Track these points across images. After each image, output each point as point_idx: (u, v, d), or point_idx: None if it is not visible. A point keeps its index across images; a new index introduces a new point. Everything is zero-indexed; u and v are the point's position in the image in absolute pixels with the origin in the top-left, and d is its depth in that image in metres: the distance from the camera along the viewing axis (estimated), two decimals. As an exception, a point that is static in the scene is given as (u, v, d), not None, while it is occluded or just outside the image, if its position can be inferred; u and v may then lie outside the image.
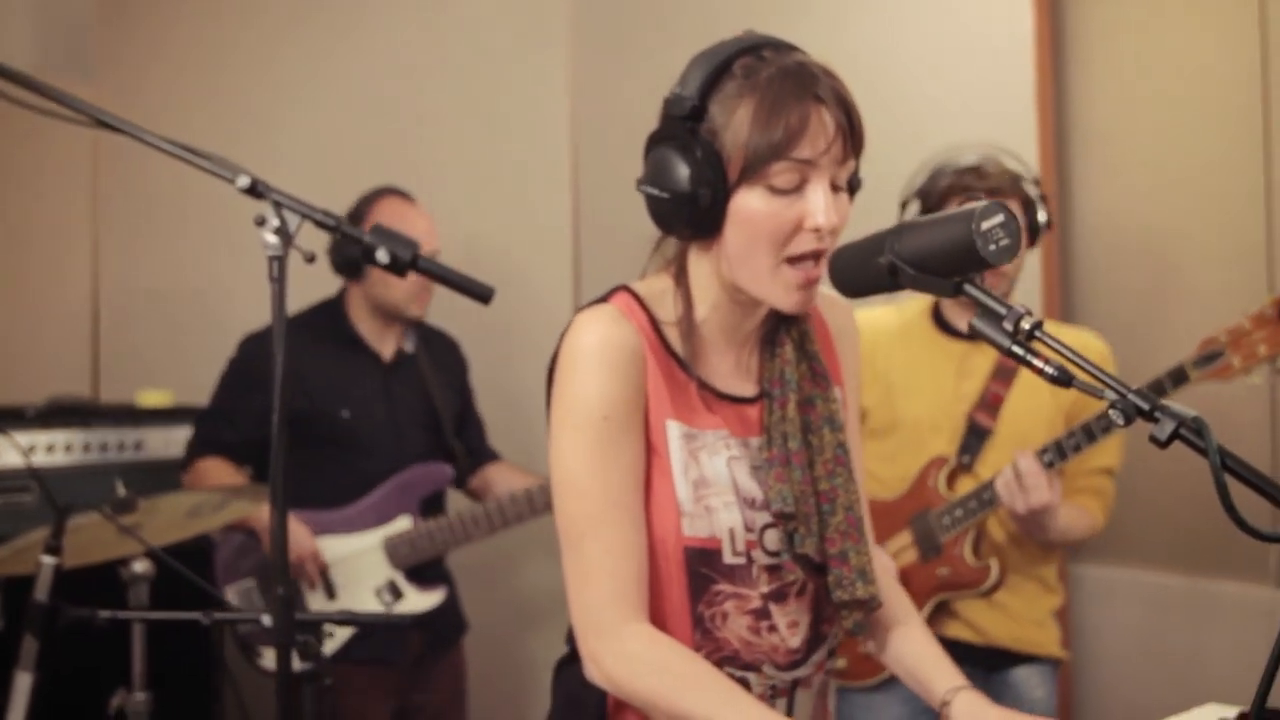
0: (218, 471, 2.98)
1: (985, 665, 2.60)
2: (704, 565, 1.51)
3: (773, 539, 1.55)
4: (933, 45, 3.45)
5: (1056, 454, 2.43)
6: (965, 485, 2.56)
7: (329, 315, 3.11)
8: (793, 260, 1.48)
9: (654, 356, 1.53)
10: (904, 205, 2.66)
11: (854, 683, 2.64)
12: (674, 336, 1.57)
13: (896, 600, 1.75)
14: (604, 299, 1.57)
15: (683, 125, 1.47)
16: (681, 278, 1.58)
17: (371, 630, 2.89)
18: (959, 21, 3.40)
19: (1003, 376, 2.58)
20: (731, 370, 1.61)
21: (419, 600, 2.98)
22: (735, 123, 1.45)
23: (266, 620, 1.84)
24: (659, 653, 1.46)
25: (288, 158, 3.87)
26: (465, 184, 4.05)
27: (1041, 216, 2.62)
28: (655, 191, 1.49)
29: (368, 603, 2.96)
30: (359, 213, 3.05)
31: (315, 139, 3.96)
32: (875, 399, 2.68)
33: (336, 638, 2.91)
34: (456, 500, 3.22)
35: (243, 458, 3.06)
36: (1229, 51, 3.07)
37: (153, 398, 3.45)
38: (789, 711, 1.57)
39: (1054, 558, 2.69)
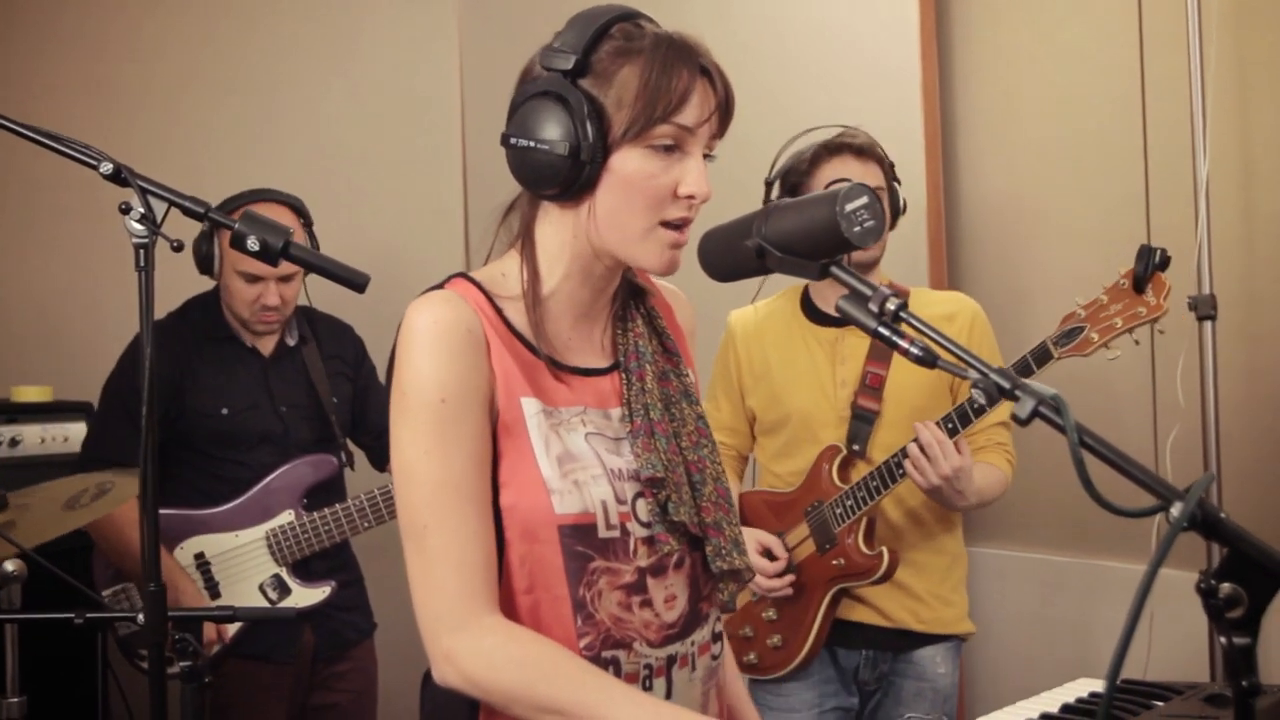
0: (124, 511, 2.85)
1: (892, 646, 2.62)
2: (580, 543, 1.46)
3: (643, 509, 1.51)
4: (818, 28, 3.47)
5: (959, 420, 2.41)
6: (859, 473, 2.55)
7: (204, 311, 3.03)
8: (664, 224, 1.47)
9: (497, 335, 1.49)
10: (769, 186, 2.65)
11: (765, 675, 2.66)
12: (516, 314, 1.52)
13: (738, 689, 1.79)
14: (438, 286, 1.53)
15: (562, 80, 1.44)
16: (528, 247, 1.54)
17: (256, 626, 2.83)
18: (844, 5, 3.42)
19: (879, 357, 2.58)
20: (582, 344, 1.58)
21: (304, 595, 2.92)
22: (619, 82, 1.43)
23: (140, 619, 1.79)
24: (518, 645, 1.41)
25: (174, 152, 3.79)
26: (358, 180, 4.01)
27: (900, 201, 2.64)
28: (529, 143, 1.44)
29: (252, 598, 2.89)
30: (224, 211, 2.95)
31: (203, 134, 3.89)
32: (761, 398, 2.69)
33: (229, 631, 2.85)
34: (358, 490, 3.15)
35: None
36: (1108, 35, 3.13)
37: (30, 393, 3.35)
38: (668, 692, 1.52)
39: (957, 527, 2.69)
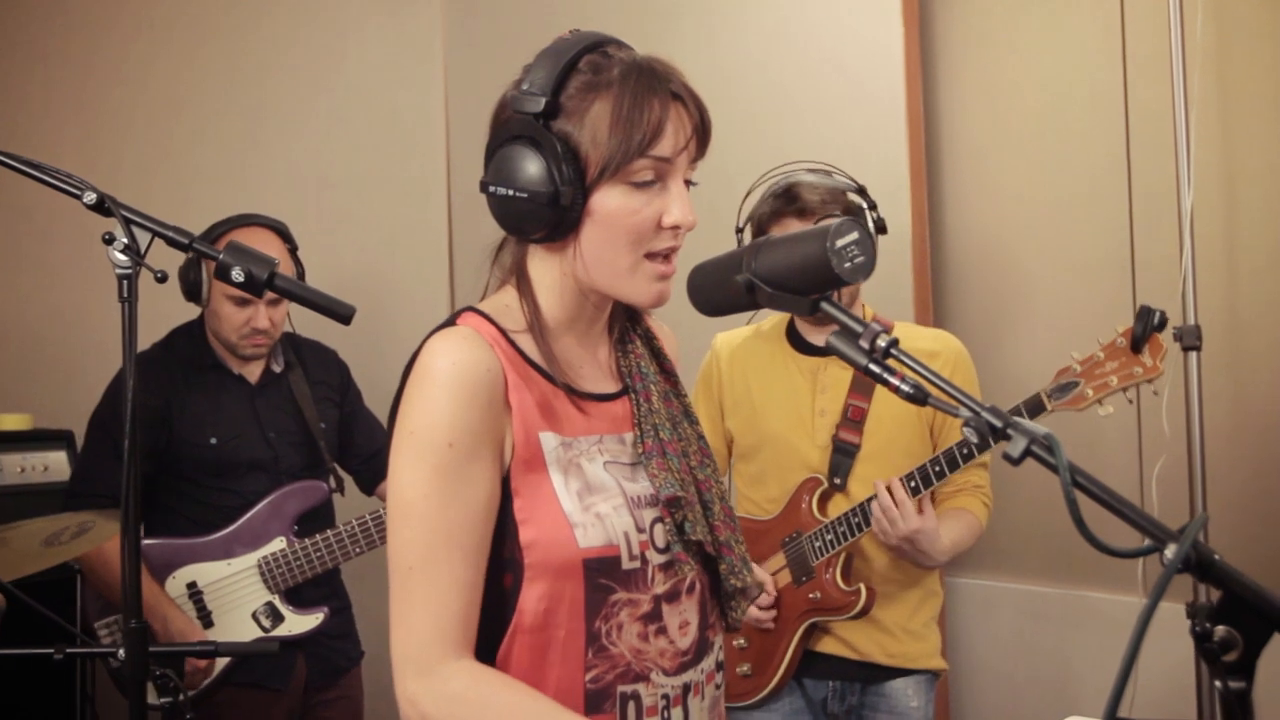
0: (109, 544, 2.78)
1: (860, 678, 2.60)
2: (603, 575, 1.45)
3: (660, 535, 1.50)
4: (802, 59, 3.47)
5: (922, 481, 2.43)
6: (838, 506, 2.55)
7: (189, 341, 3.02)
8: (650, 256, 1.46)
9: (514, 370, 1.47)
10: (740, 231, 2.61)
11: (732, 703, 2.65)
12: (528, 346, 1.51)
13: None
14: (450, 322, 1.51)
15: (534, 123, 1.43)
16: (524, 284, 1.53)
17: (245, 656, 2.82)
18: (828, 35, 3.43)
19: (862, 390, 2.57)
20: (590, 369, 1.57)
21: (298, 623, 2.91)
22: (591, 120, 1.42)
23: (120, 654, 1.77)
24: (482, 689, 1.38)
25: (159, 176, 3.79)
26: (342, 204, 4.01)
27: (871, 224, 2.55)
28: (509, 192, 1.43)
29: (245, 627, 2.88)
30: (209, 240, 2.96)
31: (188, 159, 3.88)
32: (740, 421, 2.68)
33: (218, 662, 2.83)
34: (348, 514, 3.14)
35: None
36: (1093, 66, 3.15)
37: (10, 421, 3.32)
38: None
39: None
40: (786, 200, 2.51)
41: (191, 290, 2.93)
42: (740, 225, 2.61)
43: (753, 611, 2.56)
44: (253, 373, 3.03)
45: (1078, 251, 3.17)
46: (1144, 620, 0.97)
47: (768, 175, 2.60)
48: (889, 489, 2.42)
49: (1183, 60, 2.78)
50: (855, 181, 2.60)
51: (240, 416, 2.97)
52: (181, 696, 1.93)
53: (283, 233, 3.03)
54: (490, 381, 1.44)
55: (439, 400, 1.41)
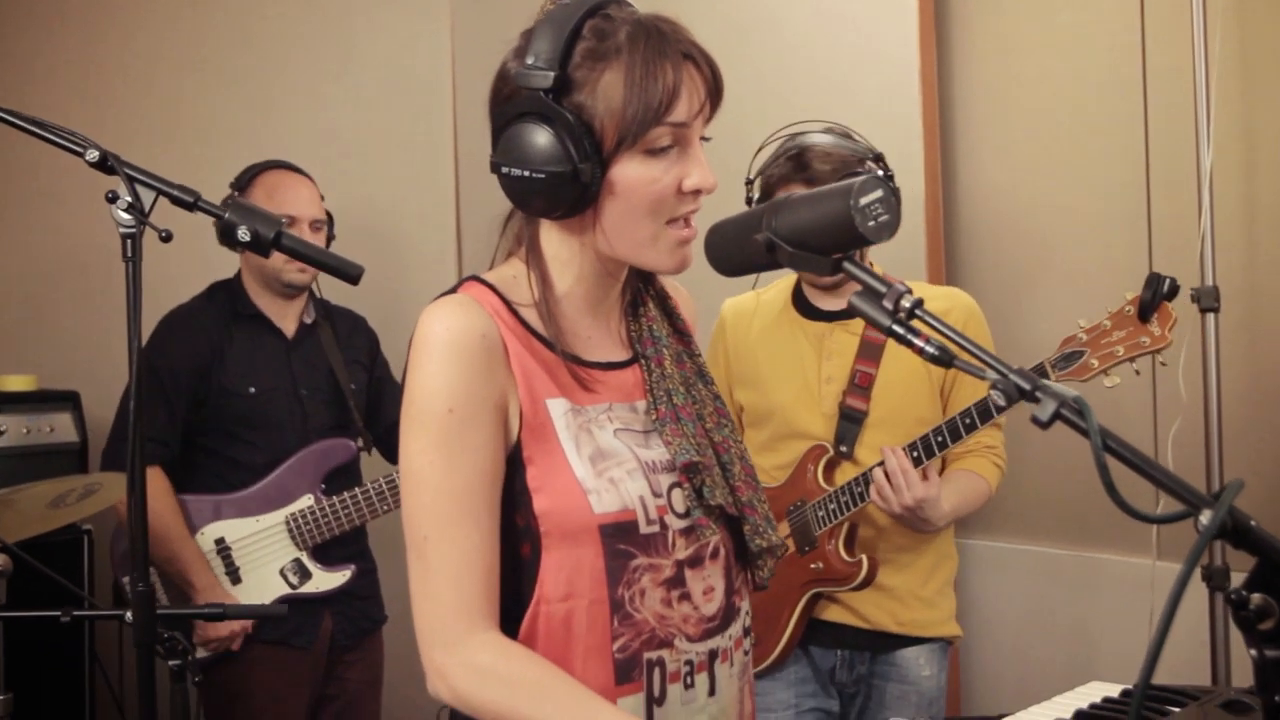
0: (153, 493, 2.75)
1: (869, 647, 2.56)
2: (621, 540, 1.43)
3: (679, 499, 1.48)
4: (815, 16, 3.43)
5: (924, 451, 2.37)
6: (845, 474, 2.50)
7: (228, 294, 3.05)
8: (670, 221, 1.43)
9: (515, 338, 1.45)
10: (750, 183, 2.55)
11: None
12: (532, 316, 1.48)
13: None
14: (453, 290, 1.49)
15: (544, 99, 1.38)
16: (535, 258, 1.50)
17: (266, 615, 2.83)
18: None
19: (869, 355, 2.51)
20: (601, 340, 1.54)
21: (325, 580, 2.94)
22: (603, 90, 1.38)
23: (128, 617, 1.77)
24: (512, 664, 1.38)
25: (168, 131, 3.77)
26: (353, 156, 4.00)
27: None
28: (524, 173, 1.39)
29: (273, 583, 2.90)
30: (241, 183, 3.02)
31: (198, 122, 3.86)
32: (748, 390, 2.64)
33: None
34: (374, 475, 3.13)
35: (176, 457, 2.93)
36: (1110, 23, 3.09)
37: (15, 382, 3.31)
38: (711, 688, 1.49)
39: (948, 527, 2.60)
40: (797, 166, 2.43)
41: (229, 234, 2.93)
42: (750, 177, 2.56)
43: None
44: (289, 326, 3.07)
45: (1093, 211, 3.13)
46: (1178, 588, 0.95)
47: (783, 130, 2.54)
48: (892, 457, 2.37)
49: (1203, 17, 2.73)
50: (874, 149, 2.52)
51: (276, 370, 3.01)
52: (190, 658, 1.92)
53: (313, 180, 3.09)
54: (486, 347, 1.41)
55: (435, 367, 1.39)
